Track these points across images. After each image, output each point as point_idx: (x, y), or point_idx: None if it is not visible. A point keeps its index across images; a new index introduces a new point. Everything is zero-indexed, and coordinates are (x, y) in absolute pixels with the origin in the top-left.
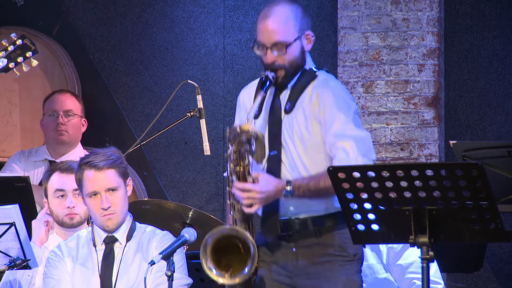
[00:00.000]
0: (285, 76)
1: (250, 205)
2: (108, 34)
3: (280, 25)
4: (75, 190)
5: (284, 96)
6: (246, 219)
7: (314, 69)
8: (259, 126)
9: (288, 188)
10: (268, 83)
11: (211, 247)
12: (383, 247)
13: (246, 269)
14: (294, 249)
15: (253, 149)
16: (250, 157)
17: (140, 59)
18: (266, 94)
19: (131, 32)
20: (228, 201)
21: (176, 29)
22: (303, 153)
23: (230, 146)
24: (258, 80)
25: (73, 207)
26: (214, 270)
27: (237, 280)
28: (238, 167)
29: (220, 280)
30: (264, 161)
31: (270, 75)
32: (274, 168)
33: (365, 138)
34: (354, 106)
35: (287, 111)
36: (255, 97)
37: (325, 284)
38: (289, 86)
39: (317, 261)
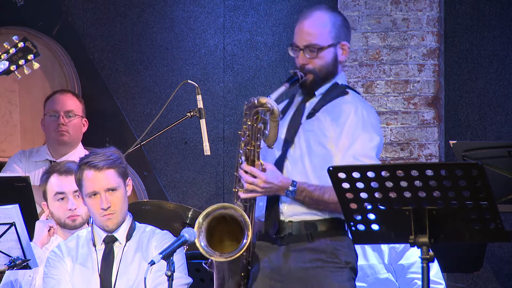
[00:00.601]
0: (313, 80)
1: (251, 191)
2: (108, 34)
3: (315, 28)
4: (75, 191)
5: (311, 104)
6: (247, 211)
7: (346, 86)
8: (280, 129)
9: (291, 188)
10: (295, 78)
11: (208, 222)
12: (384, 247)
13: (238, 249)
14: (286, 251)
15: (267, 131)
16: (262, 141)
17: (140, 59)
18: (289, 95)
19: (131, 32)
20: (234, 189)
21: (176, 29)
22: (306, 157)
23: (245, 121)
24: None
25: (75, 209)
26: (205, 247)
27: (226, 259)
28: (249, 146)
29: (210, 257)
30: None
31: (300, 73)
32: (278, 162)
33: None
34: (380, 135)
35: (308, 116)
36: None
37: None
38: (317, 94)
39: (309, 266)
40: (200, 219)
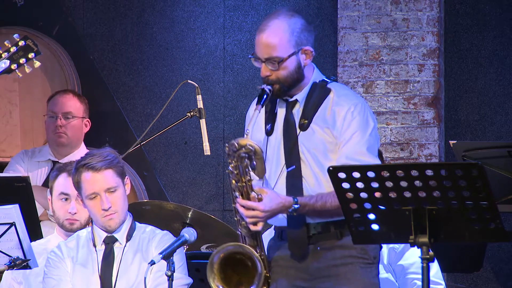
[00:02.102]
0: (279, 89)
1: (255, 223)
2: (108, 34)
3: (274, 40)
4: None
5: (297, 111)
6: (254, 235)
7: (325, 80)
8: (275, 142)
9: (294, 207)
10: (265, 96)
11: (218, 265)
12: (384, 248)
13: (254, 286)
14: (318, 248)
15: (253, 164)
16: (252, 173)
17: (140, 59)
18: (267, 105)
19: (131, 32)
20: (235, 218)
21: (176, 29)
22: (325, 166)
23: (230, 161)
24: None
25: (75, 213)
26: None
27: None
28: (240, 183)
29: None
30: (277, 177)
31: (267, 88)
32: (294, 183)
33: None
34: (371, 126)
35: (304, 128)
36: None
37: (347, 286)
38: (300, 100)
39: (339, 263)
40: (210, 262)
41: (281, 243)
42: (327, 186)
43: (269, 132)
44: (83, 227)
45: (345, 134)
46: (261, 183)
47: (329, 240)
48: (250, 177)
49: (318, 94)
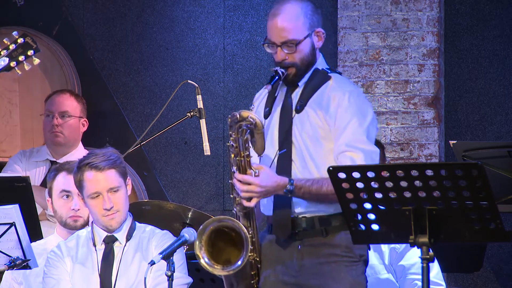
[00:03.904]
0: (295, 74)
1: (249, 199)
2: (108, 34)
3: (289, 23)
4: None
5: (296, 95)
6: (247, 215)
7: (327, 70)
8: (270, 124)
9: (289, 187)
10: (276, 78)
11: (206, 236)
12: (385, 248)
13: (239, 262)
14: (299, 247)
15: (253, 140)
16: (251, 149)
17: (140, 59)
18: (272, 89)
19: (131, 32)
20: (231, 195)
21: (176, 29)
22: (314, 153)
23: (230, 134)
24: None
25: (78, 209)
26: (206, 259)
27: (229, 272)
28: (238, 157)
29: (211, 270)
30: (272, 159)
31: (280, 70)
32: (284, 166)
33: (374, 154)
34: (370, 115)
35: (298, 110)
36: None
37: (332, 285)
38: (300, 84)
39: (323, 261)
40: (198, 235)
41: (271, 236)
42: (315, 172)
43: (266, 115)
44: (86, 223)
45: (341, 120)
46: (258, 161)
47: (315, 238)
48: (249, 152)
49: (318, 79)
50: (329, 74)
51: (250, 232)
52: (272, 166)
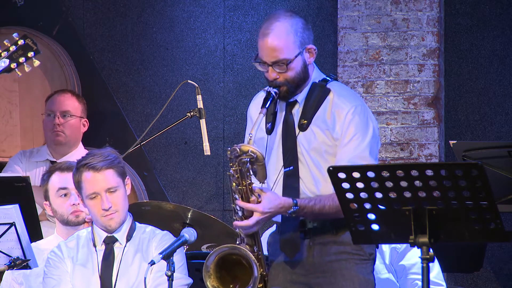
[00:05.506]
0: (287, 91)
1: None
2: (108, 34)
3: (280, 43)
4: None
5: (297, 112)
6: (251, 234)
7: (326, 79)
8: (275, 141)
9: (293, 209)
10: (270, 99)
11: (213, 265)
12: (386, 248)
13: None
14: (310, 244)
15: (254, 169)
16: (252, 176)
17: (140, 59)
18: (267, 111)
19: (131, 32)
20: (234, 217)
21: (176, 29)
22: (323, 168)
23: (231, 165)
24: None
25: (78, 204)
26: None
27: None
28: (240, 186)
29: None
30: (277, 176)
31: (273, 91)
32: (291, 184)
33: None
34: (371, 129)
35: (304, 129)
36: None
37: (342, 282)
38: (300, 100)
39: (333, 259)
40: (206, 263)
41: (278, 236)
42: (325, 188)
43: (269, 131)
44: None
45: (344, 136)
46: (260, 185)
47: (325, 235)
48: (250, 180)
49: (318, 94)
50: (328, 86)
51: (255, 250)
52: (277, 183)
